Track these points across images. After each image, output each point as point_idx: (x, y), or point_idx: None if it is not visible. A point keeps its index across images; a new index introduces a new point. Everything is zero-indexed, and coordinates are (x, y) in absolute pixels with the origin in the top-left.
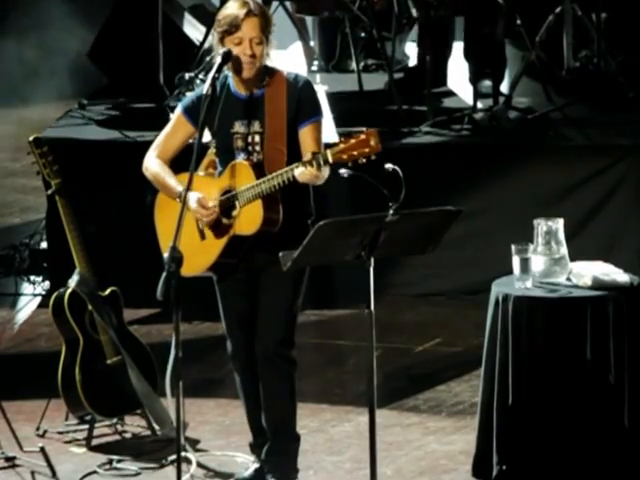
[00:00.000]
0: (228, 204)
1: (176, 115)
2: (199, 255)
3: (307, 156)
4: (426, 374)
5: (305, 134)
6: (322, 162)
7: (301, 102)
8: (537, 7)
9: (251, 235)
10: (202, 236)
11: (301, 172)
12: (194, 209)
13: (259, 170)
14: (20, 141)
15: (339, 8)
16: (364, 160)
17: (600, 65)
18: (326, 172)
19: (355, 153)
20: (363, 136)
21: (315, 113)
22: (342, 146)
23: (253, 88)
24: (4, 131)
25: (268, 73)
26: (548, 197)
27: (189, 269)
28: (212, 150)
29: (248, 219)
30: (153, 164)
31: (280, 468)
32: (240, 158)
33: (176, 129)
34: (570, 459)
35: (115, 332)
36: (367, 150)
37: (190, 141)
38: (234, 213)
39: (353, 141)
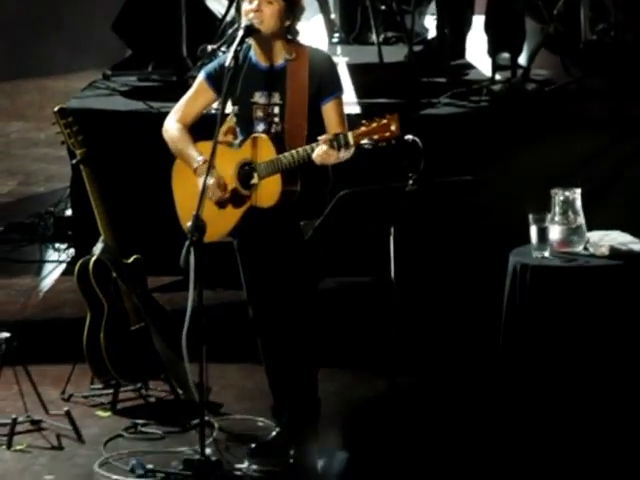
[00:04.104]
0: (247, 176)
1: (198, 81)
2: (218, 222)
3: (327, 136)
4: (444, 341)
5: (329, 110)
6: (343, 143)
7: (323, 78)
8: None
9: (269, 207)
10: (220, 205)
11: (319, 153)
12: (211, 187)
13: (280, 144)
14: (45, 111)
15: None
16: (384, 144)
17: (617, 37)
18: (348, 154)
19: (376, 137)
20: (385, 120)
21: (337, 89)
22: (363, 129)
23: (274, 60)
24: (29, 101)
25: (291, 47)
26: (565, 167)
27: (209, 236)
28: (232, 117)
29: (267, 192)
30: (173, 128)
31: (301, 432)
32: (259, 128)
33: (197, 95)
34: (587, 423)
35: (139, 299)
36: (388, 134)
37: (212, 111)
38: (253, 183)
39: (375, 124)
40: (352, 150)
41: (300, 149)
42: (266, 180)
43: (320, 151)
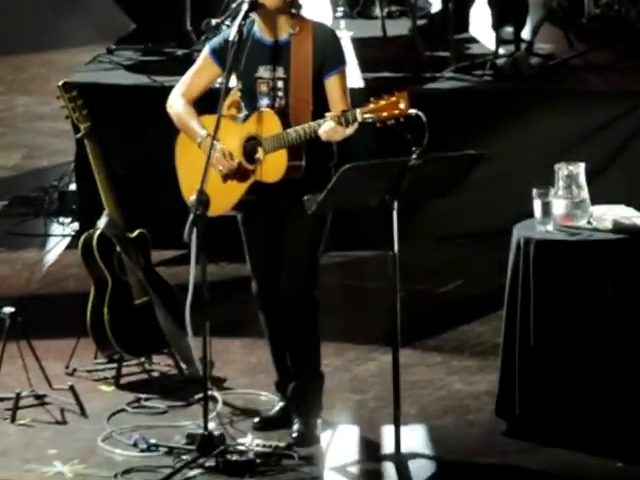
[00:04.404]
0: (252, 150)
1: (203, 56)
2: (222, 196)
3: (335, 112)
4: (449, 315)
5: (332, 84)
6: (351, 120)
7: (326, 52)
8: None
9: (273, 182)
10: (224, 179)
11: (327, 130)
12: (217, 158)
13: (285, 119)
14: (49, 85)
15: None
16: (392, 121)
17: (621, 12)
18: (352, 130)
19: (384, 114)
20: (394, 98)
21: (340, 63)
22: (372, 106)
23: (278, 34)
24: (33, 75)
25: (295, 21)
26: (568, 141)
27: (213, 210)
28: (236, 91)
29: (272, 167)
30: (177, 103)
31: (305, 406)
32: (263, 103)
33: (202, 69)
34: (590, 399)
35: (143, 273)
36: (396, 112)
37: (217, 86)
38: (258, 158)
39: (383, 102)
40: (356, 125)
41: (307, 125)
42: (271, 155)
43: (327, 127)
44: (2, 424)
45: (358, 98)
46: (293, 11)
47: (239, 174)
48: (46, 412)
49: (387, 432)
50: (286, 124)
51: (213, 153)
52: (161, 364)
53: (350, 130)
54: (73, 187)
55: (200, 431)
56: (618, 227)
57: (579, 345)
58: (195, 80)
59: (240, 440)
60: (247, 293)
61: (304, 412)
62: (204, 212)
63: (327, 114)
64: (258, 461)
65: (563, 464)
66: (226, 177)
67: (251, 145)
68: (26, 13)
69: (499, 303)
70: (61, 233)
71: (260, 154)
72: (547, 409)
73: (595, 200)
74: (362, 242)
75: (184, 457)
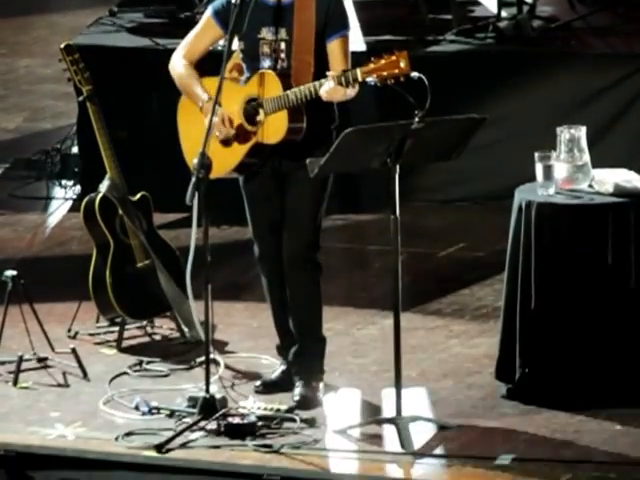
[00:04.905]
0: (253, 111)
1: (205, 17)
2: (223, 158)
3: (336, 72)
4: (450, 278)
5: (333, 47)
6: (352, 80)
7: (330, 14)
8: None
9: (275, 143)
10: (226, 141)
11: (327, 90)
12: (216, 122)
13: (286, 81)
14: (51, 47)
15: None
16: (392, 81)
17: None
18: (354, 92)
19: (385, 74)
20: (394, 57)
21: (343, 26)
22: (372, 66)
23: None
24: (35, 37)
25: None
26: (571, 105)
27: (214, 171)
28: (238, 54)
29: (273, 128)
30: (179, 64)
31: (306, 369)
32: (265, 64)
33: (204, 31)
34: (590, 363)
35: (145, 236)
36: (396, 71)
37: (219, 48)
38: (259, 119)
39: (383, 62)
40: (357, 87)
41: (309, 85)
42: (272, 116)
43: (328, 87)
44: (4, 387)
45: (360, 61)
46: None
47: (240, 136)
48: (48, 375)
49: (388, 395)
50: (287, 86)
51: (214, 117)
52: (163, 327)
53: (351, 91)
54: (75, 150)
55: (202, 394)
56: (619, 190)
57: (579, 308)
58: (197, 42)
59: (242, 403)
60: (249, 257)
61: (306, 376)
62: (206, 175)
63: (328, 73)
64: (260, 424)
65: (562, 427)
66: (225, 142)
67: (252, 106)
68: None
69: (500, 266)
70: (63, 196)
71: (261, 116)
72: (547, 372)
73: (596, 164)
74: (363, 205)
75: (185, 420)
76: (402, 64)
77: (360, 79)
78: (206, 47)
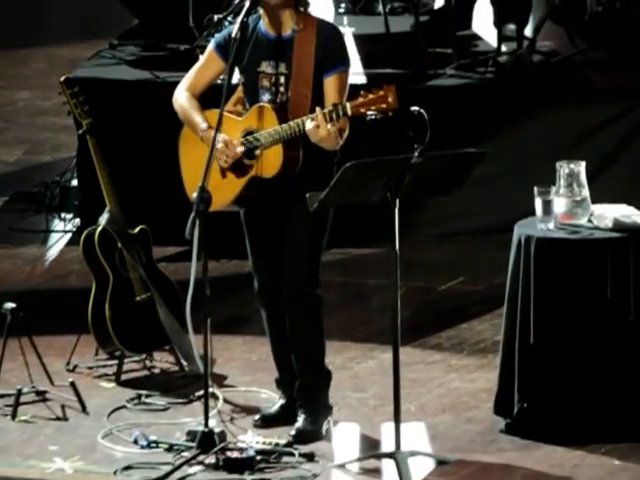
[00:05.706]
0: (250, 145)
1: (208, 51)
2: (221, 191)
3: (326, 107)
4: (449, 312)
5: (329, 83)
6: (341, 113)
7: (329, 50)
8: None
9: (270, 178)
10: (223, 174)
11: (309, 128)
12: (219, 149)
13: (283, 114)
14: (50, 79)
15: None
16: (380, 116)
17: (623, 9)
18: (334, 129)
19: (373, 108)
20: (382, 92)
21: (342, 62)
22: (361, 100)
23: (282, 30)
24: (35, 69)
25: (300, 17)
26: (571, 139)
27: (213, 204)
28: (241, 87)
29: (268, 162)
30: (182, 96)
31: (308, 404)
32: (265, 98)
33: (207, 64)
34: (589, 398)
35: (144, 270)
36: (384, 106)
37: (219, 81)
38: (256, 154)
39: (372, 96)
40: (347, 130)
41: (297, 120)
42: (268, 150)
43: (309, 125)
44: (3, 420)
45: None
46: (300, 9)
47: (238, 169)
48: (47, 408)
49: (387, 430)
50: (284, 119)
51: (215, 146)
52: (162, 361)
53: (334, 129)
54: (75, 183)
55: (200, 428)
56: (618, 226)
57: (579, 344)
58: (200, 74)
59: (240, 437)
60: (248, 290)
61: (307, 410)
62: (206, 209)
63: (317, 108)
64: (258, 458)
65: (561, 462)
66: (227, 170)
67: (248, 141)
68: (26, 8)
69: (499, 301)
70: (62, 229)
71: (259, 149)
72: (545, 407)
73: (596, 199)
74: (363, 239)
75: (184, 454)
76: (390, 99)
77: (350, 113)
78: (209, 80)
